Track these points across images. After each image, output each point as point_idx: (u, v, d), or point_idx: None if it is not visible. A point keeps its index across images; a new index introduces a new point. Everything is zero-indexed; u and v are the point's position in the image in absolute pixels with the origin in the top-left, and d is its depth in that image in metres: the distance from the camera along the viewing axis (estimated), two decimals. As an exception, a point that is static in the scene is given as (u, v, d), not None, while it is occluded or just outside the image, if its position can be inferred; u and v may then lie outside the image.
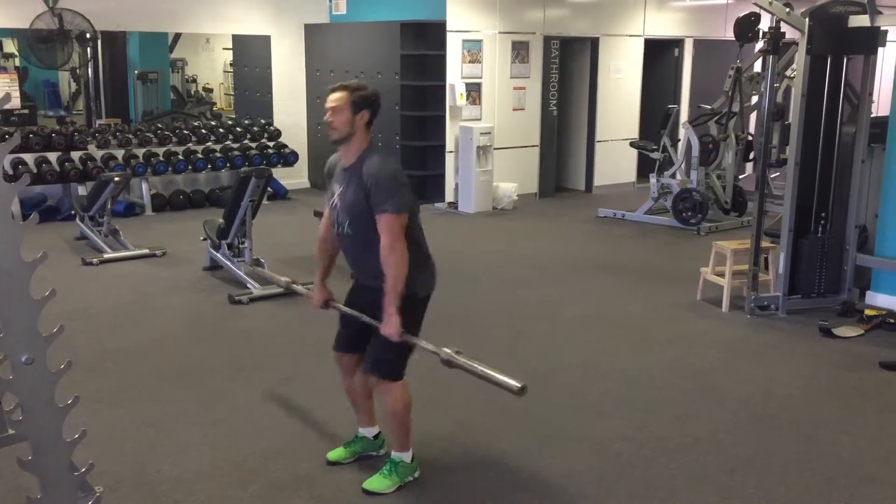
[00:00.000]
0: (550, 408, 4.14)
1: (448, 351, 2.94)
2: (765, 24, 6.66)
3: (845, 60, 5.59)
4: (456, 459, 3.59)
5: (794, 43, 7.09)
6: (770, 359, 4.91)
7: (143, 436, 3.76)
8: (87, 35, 8.98)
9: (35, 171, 8.39)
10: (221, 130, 9.94)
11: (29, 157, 8.52)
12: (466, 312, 5.71)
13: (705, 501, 3.26)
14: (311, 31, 10.50)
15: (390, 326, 3.04)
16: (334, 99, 3.09)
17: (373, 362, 3.23)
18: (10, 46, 10.04)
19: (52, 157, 8.65)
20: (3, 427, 2.94)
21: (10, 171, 8.19)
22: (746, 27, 8.04)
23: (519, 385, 2.76)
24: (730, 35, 8.70)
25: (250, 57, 11.08)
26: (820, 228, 5.68)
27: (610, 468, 3.51)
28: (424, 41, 9.41)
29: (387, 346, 3.17)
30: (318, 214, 7.33)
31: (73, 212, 8.13)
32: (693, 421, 4.01)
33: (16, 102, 9.09)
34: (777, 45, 5.58)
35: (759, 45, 7.74)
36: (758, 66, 9.06)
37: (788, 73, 8.98)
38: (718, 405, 4.20)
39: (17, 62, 10.28)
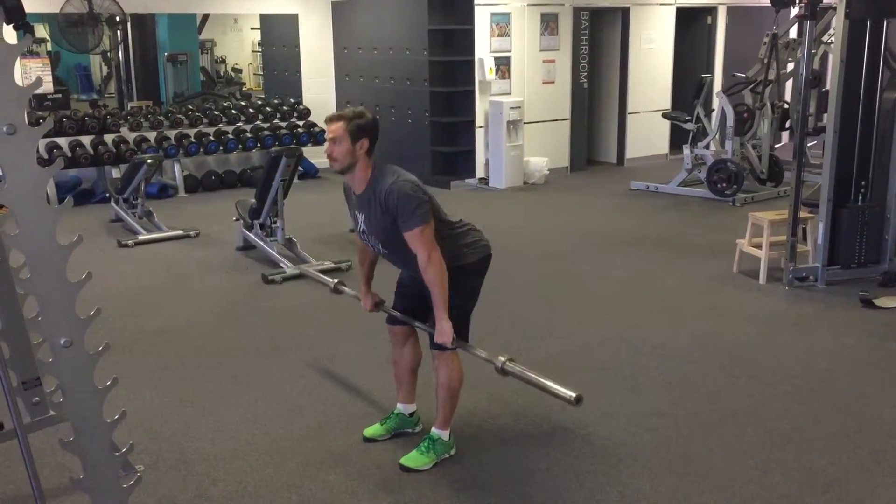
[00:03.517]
0: (584, 383, 4.11)
1: (502, 360, 2.92)
2: (801, -12, 6.49)
3: (885, 24, 5.43)
4: (491, 437, 3.58)
5: (832, 7, 6.94)
6: (809, 331, 4.83)
7: (181, 415, 3.81)
8: (117, 18, 9.03)
9: (69, 154, 8.49)
10: (251, 110, 9.97)
11: (63, 141, 8.63)
12: (500, 288, 5.67)
13: (745, 476, 3.22)
14: (339, 8, 10.45)
15: (443, 335, 3.07)
16: (332, 130, 3.04)
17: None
18: (42, 31, 10.13)
19: (86, 140, 8.75)
20: (44, 409, 2.99)
21: (45, 156, 8.29)
22: (782, -8, 7.83)
23: (574, 395, 2.69)
24: (764, 0, 8.49)
25: (278, 36, 11.07)
26: (860, 197, 5.56)
27: (646, 444, 3.49)
28: (452, 15, 9.33)
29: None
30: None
31: (107, 194, 8.23)
32: (730, 395, 3.96)
33: (49, 87, 9.18)
34: (814, 9, 5.43)
35: (796, 10, 7.56)
36: (794, 32, 8.86)
37: (826, 38, 8.77)
38: (756, 379, 4.14)
39: (50, 47, 10.38)
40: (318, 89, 10.58)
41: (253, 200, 6.40)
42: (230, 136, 9.51)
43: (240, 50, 13.40)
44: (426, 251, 3.01)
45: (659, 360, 4.40)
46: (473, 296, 3.28)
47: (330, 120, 3.08)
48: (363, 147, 3.05)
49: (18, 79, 2.27)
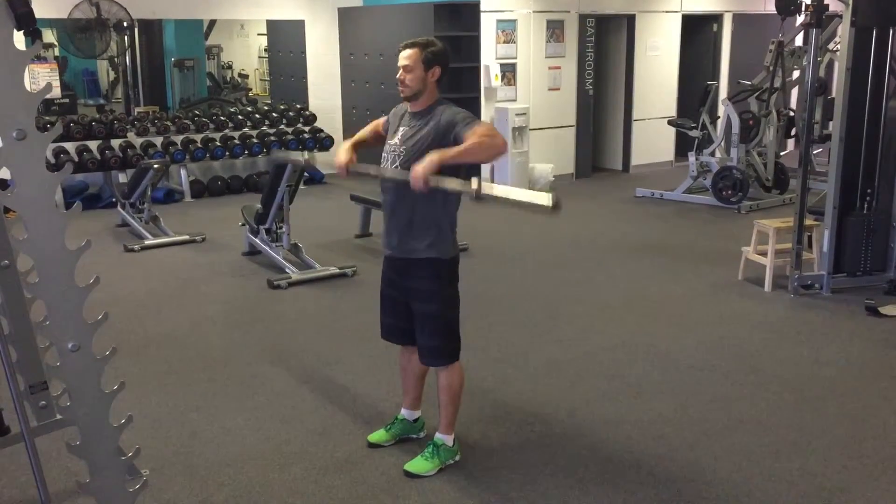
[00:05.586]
0: (589, 390, 4.12)
1: (475, 186, 2.81)
2: (807, -4, 6.49)
3: (891, 32, 5.43)
4: (496, 442, 3.58)
5: (838, 15, 6.94)
6: (815, 339, 4.82)
7: (187, 420, 3.82)
8: (125, 23, 9.07)
9: (76, 159, 8.52)
10: (257, 116, 10.00)
11: (70, 146, 8.66)
12: (504, 294, 5.69)
13: (750, 485, 3.21)
14: (345, 15, 10.48)
15: (421, 164, 2.86)
16: (406, 56, 3.09)
17: (428, 355, 3.24)
18: (50, 36, 10.18)
19: (93, 145, 8.78)
20: (51, 412, 3.00)
21: (53, 160, 8.33)
22: (788, 0, 7.85)
23: (551, 202, 2.60)
24: (770, 8, 8.51)
25: (284, 42, 11.11)
26: (865, 205, 5.56)
27: (651, 451, 3.48)
28: (458, 22, 9.35)
29: (434, 331, 3.18)
30: (355, 198, 7.37)
31: (114, 199, 8.26)
32: (736, 403, 3.96)
33: (56, 92, 9.24)
34: (820, 17, 5.44)
35: (802, 18, 7.56)
36: (799, 40, 8.87)
37: (831, 46, 8.77)
38: (762, 387, 4.14)
39: (57, 52, 10.43)
40: (324, 95, 10.60)
41: (259, 206, 6.41)
42: (236, 141, 9.53)
43: (246, 56, 13.45)
44: (491, 132, 2.97)
45: (664, 368, 4.39)
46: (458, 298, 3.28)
47: (404, 47, 3.11)
48: (435, 75, 3.10)
49: (27, 83, 2.28)
